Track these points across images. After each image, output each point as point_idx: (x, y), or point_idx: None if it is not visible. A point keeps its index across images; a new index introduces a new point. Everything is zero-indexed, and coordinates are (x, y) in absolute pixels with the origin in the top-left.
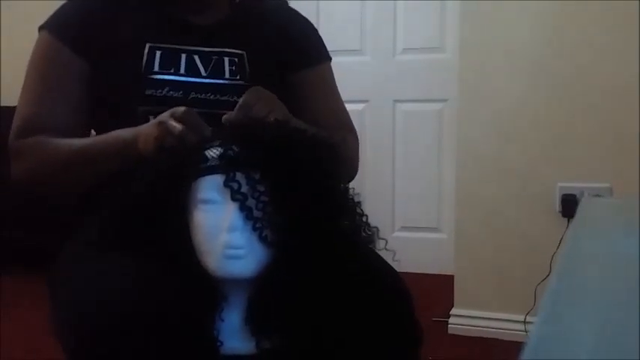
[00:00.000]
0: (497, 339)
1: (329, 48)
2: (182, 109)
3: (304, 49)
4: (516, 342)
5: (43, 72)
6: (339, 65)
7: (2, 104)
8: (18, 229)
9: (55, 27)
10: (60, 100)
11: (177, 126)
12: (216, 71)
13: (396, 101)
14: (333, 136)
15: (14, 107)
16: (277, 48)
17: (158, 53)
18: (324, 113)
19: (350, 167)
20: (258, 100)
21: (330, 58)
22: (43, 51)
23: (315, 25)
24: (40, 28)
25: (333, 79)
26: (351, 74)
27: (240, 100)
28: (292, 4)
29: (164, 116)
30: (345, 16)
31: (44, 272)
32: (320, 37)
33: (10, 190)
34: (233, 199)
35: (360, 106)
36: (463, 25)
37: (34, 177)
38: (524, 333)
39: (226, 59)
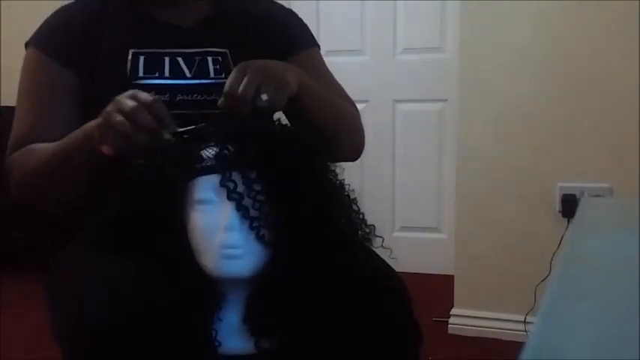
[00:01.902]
0: (497, 339)
1: (329, 48)
2: (131, 103)
3: (288, 37)
4: (516, 342)
5: (34, 88)
6: (339, 65)
7: (2, 104)
8: (18, 229)
9: (40, 42)
10: (51, 115)
11: (124, 123)
12: (201, 71)
13: (396, 101)
14: (345, 104)
15: (14, 107)
16: (261, 41)
17: (142, 58)
18: None
19: (357, 139)
20: (244, 78)
21: (318, 45)
22: (32, 67)
23: (315, 26)
24: (27, 45)
25: (323, 63)
26: (351, 74)
27: (225, 87)
28: (292, 4)
29: (108, 110)
30: (345, 16)
31: (44, 272)
32: (304, 24)
33: (10, 189)
34: (229, 198)
35: (360, 106)
36: (463, 25)
37: (20, 189)
38: (525, 333)
39: (210, 59)
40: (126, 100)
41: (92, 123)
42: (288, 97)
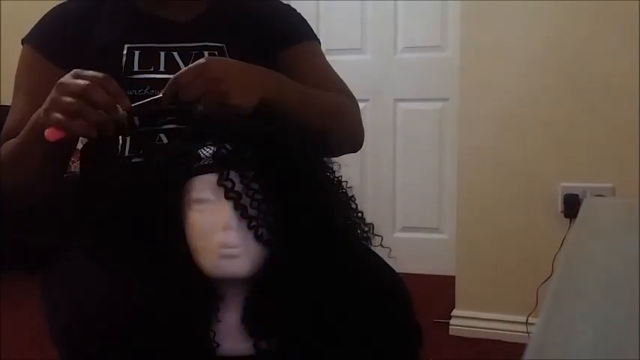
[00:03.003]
0: (499, 340)
1: (329, 47)
2: (81, 82)
3: (285, 29)
4: (518, 343)
5: (26, 85)
6: (340, 64)
7: (2, 103)
8: (18, 229)
9: (35, 40)
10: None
11: (73, 103)
12: None
13: (396, 100)
14: (335, 98)
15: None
16: (257, 34)
17: (137, 53)
18: (318, 82)
19: (354, 133)
20: (194, 77)
21: (318, 40)
22: (26, 64)
23: (316, 25)
24: (23, 41)
25: (322, 56)
26: (351, 73)
27: (172, 77)
28: (292, 4)
29: (54, 95)
30: (345, 14)
31: (43, 272)
32: (303, 18)
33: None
34: (227, 197)
35: (360, 105)
36: (464, 24)
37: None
38: (527, 334)
39: (206, 53)
40: (72, 80)
41: (40, 109)
42: (228, 113)
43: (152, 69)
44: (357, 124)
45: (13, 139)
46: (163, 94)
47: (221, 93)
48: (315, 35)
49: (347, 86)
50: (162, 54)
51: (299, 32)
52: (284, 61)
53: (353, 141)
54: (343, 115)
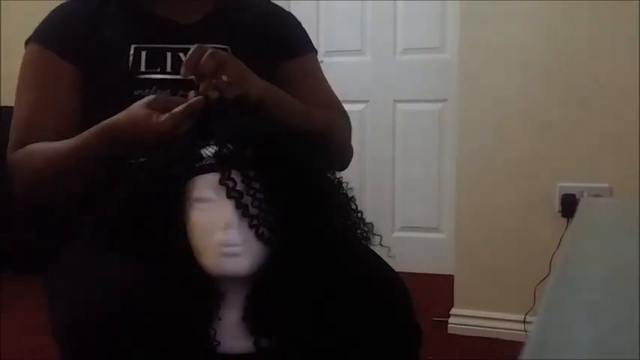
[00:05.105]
0: (497, 339)
1: (329, 48)
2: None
3: (288, 40)
4: (516, 342)
5: (35, 82)
6: (340, 65)
7: (2, 104)
8: (18, 230)
9: (41, 37)
10: (53, 108)
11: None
12: None
13: (396, 101)
14: (326, 115)
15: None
16: (261, 41)
17: (144, 53)
18: (313, 98)
19: (340, 152)
20: (201, 55)
21: (316, 51)
22: (33, 61)
23: (315, 25)
24: (27, 42)
25: (320, 69)
26: (351, 74)
27: (190, 50)
28: (293, 5)
29: (163, 134)
30: (345, 16)
31: (44, 272)
32: (304, 29)
33: (10, 190)
34: (229, 196)
35: (360, 106)
36: (463, 26)
37: (32, 185)
38: (524, 333)
39: None
40: (171, 123)
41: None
42: (242, 93)
43: (159, 69)
44: (345, 144)
45: (59, 143)
46: (184, 64)
47: (240, 70)
48: (314, 46)
49: (341, 103)
50: (169, 54)
51: (300, 45)
52: (284, 73)
53: (340, 160)
54: (331, 135)
